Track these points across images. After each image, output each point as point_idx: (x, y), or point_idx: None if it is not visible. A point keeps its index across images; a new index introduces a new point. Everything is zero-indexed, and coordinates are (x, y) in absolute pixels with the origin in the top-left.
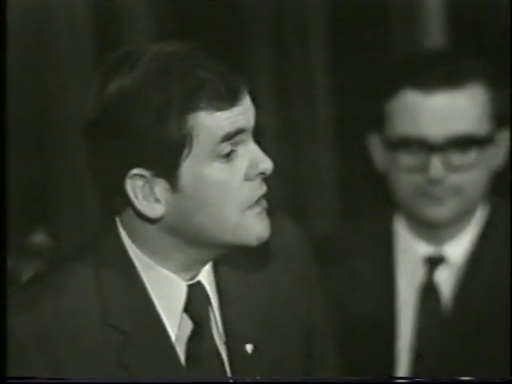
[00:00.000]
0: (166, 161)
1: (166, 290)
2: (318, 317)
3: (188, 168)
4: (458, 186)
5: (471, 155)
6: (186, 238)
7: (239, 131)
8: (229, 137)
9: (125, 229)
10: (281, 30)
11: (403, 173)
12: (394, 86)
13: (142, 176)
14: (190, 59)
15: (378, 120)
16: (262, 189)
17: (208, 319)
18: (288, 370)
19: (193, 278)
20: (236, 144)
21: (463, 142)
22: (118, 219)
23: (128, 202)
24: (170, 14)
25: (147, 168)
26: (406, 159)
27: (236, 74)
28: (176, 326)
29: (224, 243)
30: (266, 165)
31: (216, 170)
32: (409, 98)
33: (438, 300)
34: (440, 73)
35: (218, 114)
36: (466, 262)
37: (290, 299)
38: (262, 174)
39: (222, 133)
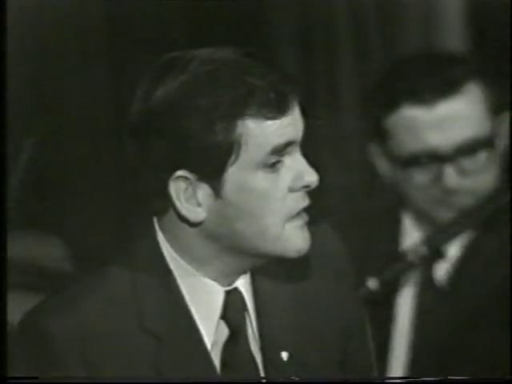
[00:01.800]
0: (211, 165)
1: (204, 295)
2: (355, 324)
3: (233, 175)
4: (475, 189)
5: (482, 156)
6: (226, 245)
7: (288, 143)
8: (278, 149)
9: (164, 233)
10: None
11: (418, 188)
12: (391, 102)
13: (186, 178)
14: (240, 65)
15: (378, 133)
16: (305, 201)
17: (244, 326)
18: (323, 377)
19: (230, 284)
20: (283, 155)
21: (472, 146)
22: (156, 223)
23: (169, 205)
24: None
25: (192, 171)
26: (419, 175)
27: (286, 82)
28: (212, 332)
29: (263, 253)
30: (312, 178)
31: (261, 179)
32: (409, 114)
33: (436, 296)
34: (436, 83)
35: (269, 123)
36: (464, 257)
37: (326, 307)
38: (307, 186)
39: (271, 145)
